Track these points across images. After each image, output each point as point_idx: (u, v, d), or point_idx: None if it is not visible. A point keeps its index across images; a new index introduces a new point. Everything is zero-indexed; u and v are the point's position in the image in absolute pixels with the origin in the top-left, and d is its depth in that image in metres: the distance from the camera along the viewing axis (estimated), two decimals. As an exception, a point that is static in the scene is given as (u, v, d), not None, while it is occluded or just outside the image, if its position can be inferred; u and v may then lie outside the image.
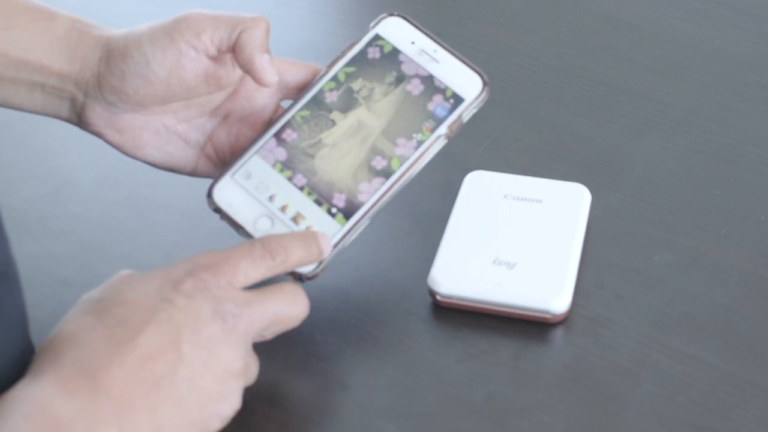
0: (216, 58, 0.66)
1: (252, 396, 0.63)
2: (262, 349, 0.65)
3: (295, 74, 0.69)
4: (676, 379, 0.63)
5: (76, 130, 0.69)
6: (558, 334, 0.66)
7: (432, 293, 0.68)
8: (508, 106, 0.85)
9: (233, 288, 0.58)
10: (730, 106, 0.85)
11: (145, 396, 0.53)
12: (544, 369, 0.64)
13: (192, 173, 0.70)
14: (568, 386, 0.63)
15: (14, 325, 0.55)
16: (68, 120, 0.69)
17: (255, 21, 0.65)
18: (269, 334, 0.60)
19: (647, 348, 0.65)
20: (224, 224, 0.66)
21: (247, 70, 0.65)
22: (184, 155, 0.69)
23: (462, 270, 0.68)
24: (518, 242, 0.69)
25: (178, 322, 0.55)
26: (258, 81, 0.65)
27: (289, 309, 0.60)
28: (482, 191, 0.74)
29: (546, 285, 0.67)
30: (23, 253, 0.59)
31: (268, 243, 0.61)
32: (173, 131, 0.68)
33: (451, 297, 0.67)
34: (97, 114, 0.67)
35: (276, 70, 0.66)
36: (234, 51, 0.65)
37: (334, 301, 0.69)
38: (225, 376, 0.56)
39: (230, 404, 0.57)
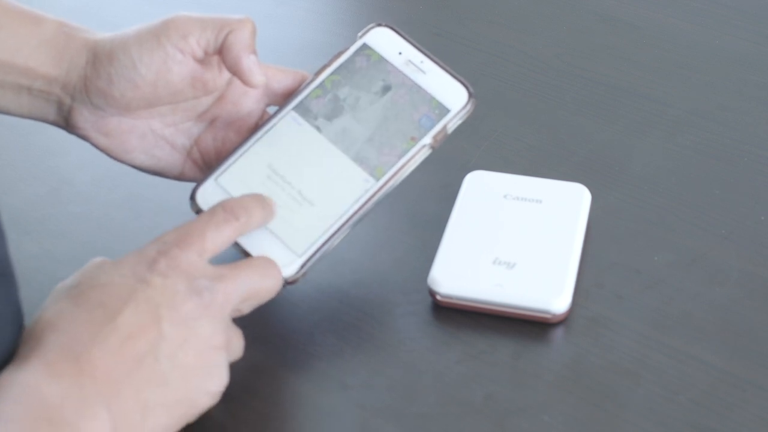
0: (203, 61, 0.66)
1: (252, 396, 0.63)
2: (262, 348, 0.65)
3: (282, 80, 0.69)
4: (676, 379, 0.63)
5: (75, 130, 0.69)
6: (558, 334, 0.66)
7: (432, 293, 0.68)
8: (508, 106, 0.85)
9: (204, 262, 0.59)
10: (730, 106, 0.85)
11: (129, 375, 0.54)
12: (544, 369, 0.64)
13: (179, 177, 0.70)
14: (568, 386, 0.63)
15: (10, 323, 0.55)
16: (55, 123, 0.69)
17: (241, 22, 0.65)
18: (246, 308, 0.61)
19: (647, 348, 0.65)
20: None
21: (234, 71, 0.65)
22: (171, 159, 0.69)
23: (462, 270, 0.68)
24: (518, 242, 0.69)
25: (155, 300, 0.56)
26: (245, 82, 0.66)
27: (262, 282, 0.61)
28: (482, 191, 0.74)
29: (546, 285, 0.67)
30: (23, 253, 0.59)
31: (229, 205, 0.61)
32: (160, 135, 0.69)
33: (451, 297, 0.67)
34: (83, 117, 0.67)
35: (263, 72, 0.66)
36: (221, 53, 0.65)
37: (334, 302, 0.69)
38: (207, 351, 0.57)
39: (216, 379, 0.58)
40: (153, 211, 0.77)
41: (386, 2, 1.01)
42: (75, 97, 0.66)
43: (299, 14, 0.98)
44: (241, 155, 0.67)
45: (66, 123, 0.68)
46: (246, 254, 0.63)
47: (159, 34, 0.64)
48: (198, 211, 0.65)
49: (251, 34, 0.65)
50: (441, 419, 0.62)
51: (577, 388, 0.63)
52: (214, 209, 0.61)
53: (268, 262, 0.62)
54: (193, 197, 0.66)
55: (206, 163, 0.70)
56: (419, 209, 0.75)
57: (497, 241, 0.69)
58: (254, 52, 0.65)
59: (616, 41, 0.93)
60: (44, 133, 0.82)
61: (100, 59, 0.65)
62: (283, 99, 0.69)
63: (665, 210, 0.75)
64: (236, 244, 0.64)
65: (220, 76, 0.67)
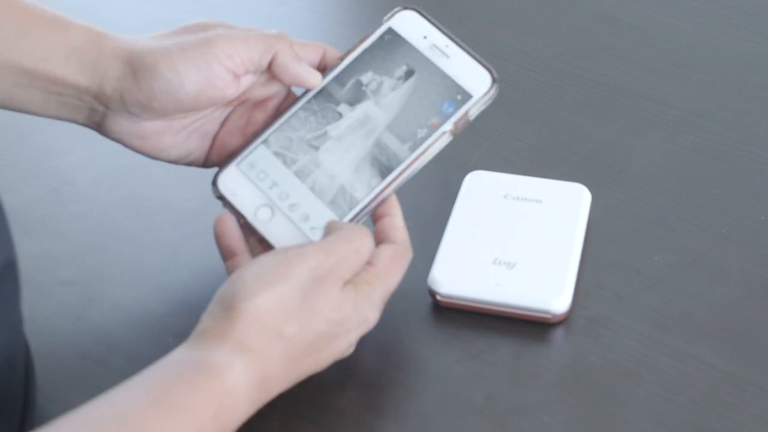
0: (241, 77, 0.66)
1: (252, 396, 0.63)
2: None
3: (306, 56, 0.69)
4: (676, 379, 0.63)
5: (75, 129, 0.69)
6: (558, 334, 0.66)
7: (432, 293, 0.68)
8: (508, 106, 0.85)
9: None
10: (730, 106, 0.85)
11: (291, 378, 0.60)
12: (544, 369, 0.64)
13: (204, 163, 0.70)
14: (568, 386, 0.63)
15: (11, 326, 0.55)
16: (85, 125, 0.68)
17: (281, 39, 0.66)
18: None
19: (647, 348, 0.65)
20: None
21: (296, 83, 0.68)
22: (202, 147, 0.70)
23: (462, 270, 0.68)
24: (518, 242, 0.69)
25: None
26: (309, 87, 0.68)
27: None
28: (482, 191, 0.74)
29: (546, 285, 0.67)
30: (23, 253, 0.59)
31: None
32: (191, 129, 0.68)
33: (451, 297, 0.67)
34: (118, 124, 0.67)
35: (313, 70, 0.68)
36: (272, 70, 0.66)
37: (334, 301, 0.69)
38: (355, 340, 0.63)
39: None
40: (153, 211, 0.77)
41: (386, 2, 1.00)
42: (109, 107, 0.66)
43: (299, 14, 0.98)
44: (262, 141, 0.67)
45: (98, 127, 0.68)
46: (270, 246, 0.64)
47: (206, 52, 0.64)
48: (219, 196, 0.66)
49: (291, 46, 0.66)
50: (441, 419, 0.62)
51: (577, 388, 0.63)
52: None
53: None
54: (214, 182, 0.66)
55: (230, 143, 0.69)
56: (419, 209, 0.75)
57: (497, 241, 0.69)
58: (302, 59, 0.67)
59: (616, 41, 0.93)
60: (45, 133, 0.82)
61: (140, 73, 0.64)
62: None
63: (665, 210, 0.75)
64: (252, 229, 0.64)
65: (257, 89, 0.68)
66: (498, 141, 0.82)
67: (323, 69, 0.69)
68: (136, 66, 0.64)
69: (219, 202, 0.67)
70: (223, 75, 0.65)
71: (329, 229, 0.63)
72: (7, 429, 0.58)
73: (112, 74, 0.65)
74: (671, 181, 0.77)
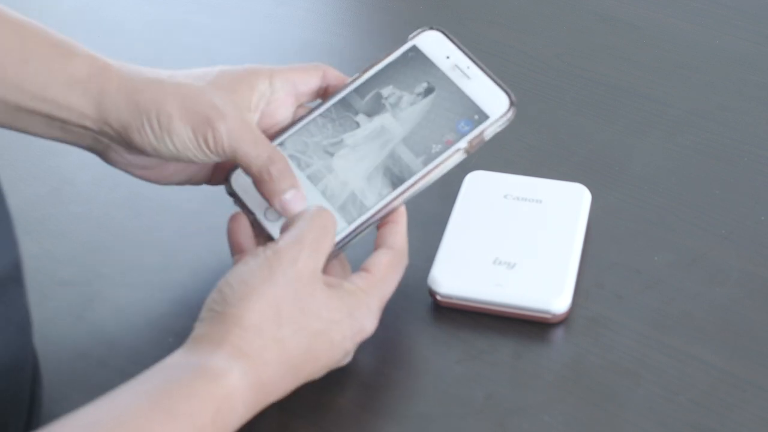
0: None
1: (252, 396, 0.63)
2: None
3: (308, 81, 0.69)
4: (676, 379, 0.63)
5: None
6: (558, 334, 0.66)
7: (432, 293, 0.68)
8: (508, 106, 0.85)
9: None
10: (730, 106, 0.85)
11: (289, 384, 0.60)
12: (544, 369, 0.64)
13: (209, 182, 0.71)
14: (568, 386, 0.63)
15: (18, 327, 0.55)
16: (89, 151, 0.68)
17: (275, 161, 0.64)
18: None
19: (647, 348, 0.65)
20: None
21: (269, 201, 0.65)
22: (204, 170, 0.70)
23: (462, 270, 0.68)
24: (518, 242, 0.69)
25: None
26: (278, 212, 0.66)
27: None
28: (482, 191, 0.74)
29: (546, 285, 0.67)
30: (23, 253, 0.59)
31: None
32: None
33: (451, 297, 0.67)
34: (121, 156, 0.67)
35: (297, 204, 0.65)
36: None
37: (334, 301, 0.69)
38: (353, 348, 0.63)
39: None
40: (153, 211, 0.77)
41: (386, 2, 1.01)
42: (113, 139, 0.65)
43: (299, 14, 0.98)
44: (278, 144, 0.67)
45: (102, 156, 0.68)
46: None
47: (196, 127, 0.63)
48: (231, 193, 0.67)
49: (276, 170, 0.64)
50: (441, 419, 0.62)
51: (577, 388, 0.63)
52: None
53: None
54: (227, 179, 0.67)
55: (230, 166, 0.68)
56: (419, 209, 0.75)
57: (497, 241, 0.69)
58: (291, 187, 0.65)
59: (616, 41, 0.93)
60: (44, 133, 0.82)
61: (139, 122, 0.63)
62: (311, 97, 0.70)
63: (665, 210, 0.75)
64: (261, 227, 0.65)
65: None
66: (498, 141, 0.81)
67: (325, 91, 0.69)
68: (138, 112, 0.63)
69: (220, 203, 0.67)
70: (206, 149, 0.64)
71: (287, 224, 0.62)
72: (13, 430, 0.58)
73: (115, 113, 0.63)
74: (671, 181, 0.77)
